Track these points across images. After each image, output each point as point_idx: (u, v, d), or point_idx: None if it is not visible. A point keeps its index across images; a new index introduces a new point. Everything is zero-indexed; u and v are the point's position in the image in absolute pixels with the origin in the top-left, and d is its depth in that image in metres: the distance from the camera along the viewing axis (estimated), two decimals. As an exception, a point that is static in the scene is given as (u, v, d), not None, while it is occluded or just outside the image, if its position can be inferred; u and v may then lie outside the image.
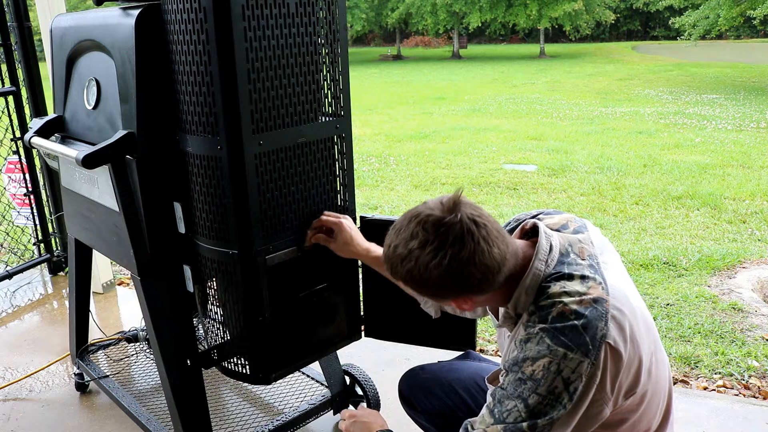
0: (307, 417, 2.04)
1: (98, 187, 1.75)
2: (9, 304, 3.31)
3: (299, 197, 1.59)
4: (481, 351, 2.75)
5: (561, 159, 7.14)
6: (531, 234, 1.23)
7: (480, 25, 30.99)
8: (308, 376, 2.30)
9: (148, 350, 2.53)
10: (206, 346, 1.76)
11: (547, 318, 1.08)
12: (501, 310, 1.29)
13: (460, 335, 1.78)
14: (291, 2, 1.44)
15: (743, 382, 2.46)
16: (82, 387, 2.44)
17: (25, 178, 3.41)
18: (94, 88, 1.72)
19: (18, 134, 3.40)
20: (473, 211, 1.08)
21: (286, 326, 1.66)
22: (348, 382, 2.17)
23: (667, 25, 31.09)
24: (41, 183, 3.52)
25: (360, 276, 1.83)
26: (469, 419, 1.20)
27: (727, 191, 5.54)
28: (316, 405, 2.06)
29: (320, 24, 1.53)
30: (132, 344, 2.57)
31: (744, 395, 2.37)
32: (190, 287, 1.69)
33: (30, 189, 3.44)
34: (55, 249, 3.65)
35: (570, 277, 1.11)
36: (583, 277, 1.11)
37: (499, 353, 2.53)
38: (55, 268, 3.65)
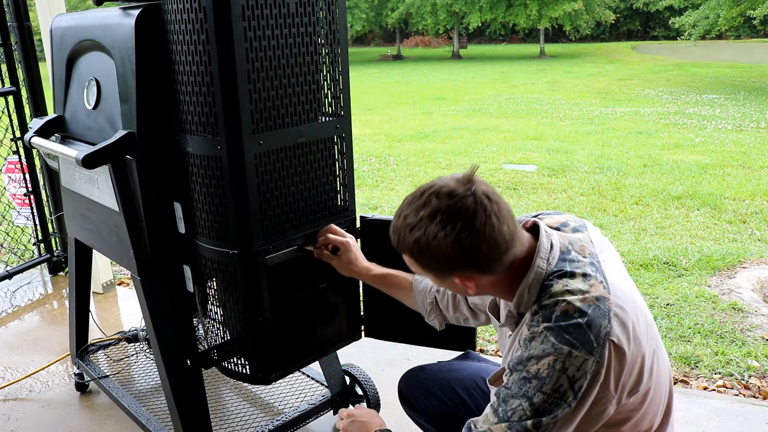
0: (307, 417, 2.04)
1: (98, 187, 1.75)
2: (9, 304, 3.31)
3: (299, 197, 1.59)
4: (481, 351, 2.75)
5: (561, 159, 7.14)
6: (531, 232, 1.23)
7: (480, 25, 30.97)
8: (308, 376, 2.30)
9: (148, 350, 2.53)
10: (206, 346, 1.76)
11: (551, 317, 1.08)
12: (502, 310, 1.29)
13: (460, 335, 1.78)
14: (291, 2, 1.44)
15: (743, 382, 2.46)
16: (82, 387, 2.44)
17: (25, 178, 3.41)
18: (94, 88, 1.72)
19: (18, 134, 3.40)
20: (487, 188, 1.11)
21: (286, 326, 1.66)
22: (348, 382, 2.17)
23: (667, 25, 31.12)
24: (41, 183, 3.52)
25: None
26: (471, 419, 1.19)
27: (727, 191, 5.54)
28: (316, 405, 2.06)
29: (320, 24, 1.53)
30: (132, 344, 2.57)
31: (744, 395, 2.37)
32: (190, 287, 1.69)
33: (30, 189, 3.44)
34: (55, 249, 3.65)
35: (572, 275, 1.12)
36: (585, 275, 1.12)
37: (499, 353, 2.53)
38: (55, 268, 3.65)
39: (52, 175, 3.43)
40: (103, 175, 1.68)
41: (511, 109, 12.04)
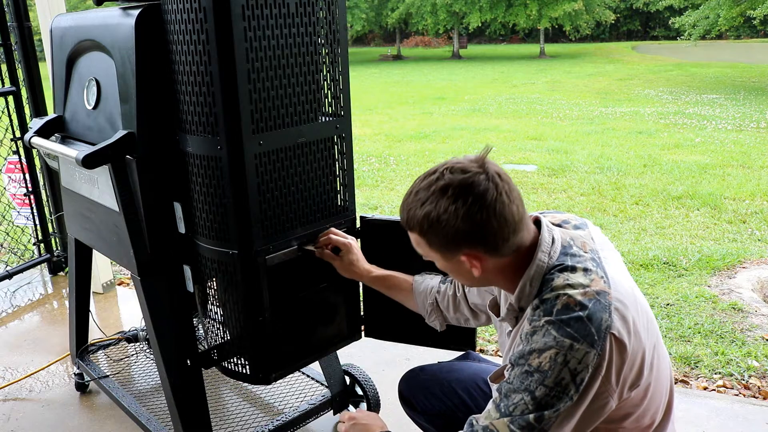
0: (307, 417, 2.04)
1: (98, 187, 1.75)
2: (9, 304, 3.31)
3: (299, 197, 1.59)
4: (481, 351, 2.75)
5: (561, 159, 7.14)
6: (534, 227, 1.24)
7: (480, 25, 30.98)
8: (308, 376, 2.30)
9: (148, 350, 2.53)
10: (206, 346, 1.76)
11: (552, 310, 1.09)
12: (503, 305, 1.29)
13: (461, 335, 1.78)
14: (291, 2, 1.44)
15: (743, 382, 2.46)
16: (82, 387, 2.44)
17: (25, 178, 3.41)
18: (94, 88, 1.72)
19: (18, 134, 3.40)
20: (499, 169, 1.12)
21: (286, 326, 1.66)
22: (348, 382, 2.17)
23: (667, 25, 31.12)
24: (41, 183, 3.52)
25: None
26: (473, 415, 1.19)
27: (727, 191, 5.54)
28: (316, 405, 2.06)
29: (320, 24, 1.53)
30: (132, 344, 2.57)
31: (744, 395, 2.37)
32: (190, 287, 1.69)
33: (30, 189, 3.44)
34: (55, 249, 3.65)
35: (573, 269, 1.13)
36: (585, 270, 1.12)
37: (499, 354, 2.53)
38: (55, 268, 3.65)
39: (52, 175, 3.43)
40: (103, 175, 1.68)
41: (511, 109, 12.05)
